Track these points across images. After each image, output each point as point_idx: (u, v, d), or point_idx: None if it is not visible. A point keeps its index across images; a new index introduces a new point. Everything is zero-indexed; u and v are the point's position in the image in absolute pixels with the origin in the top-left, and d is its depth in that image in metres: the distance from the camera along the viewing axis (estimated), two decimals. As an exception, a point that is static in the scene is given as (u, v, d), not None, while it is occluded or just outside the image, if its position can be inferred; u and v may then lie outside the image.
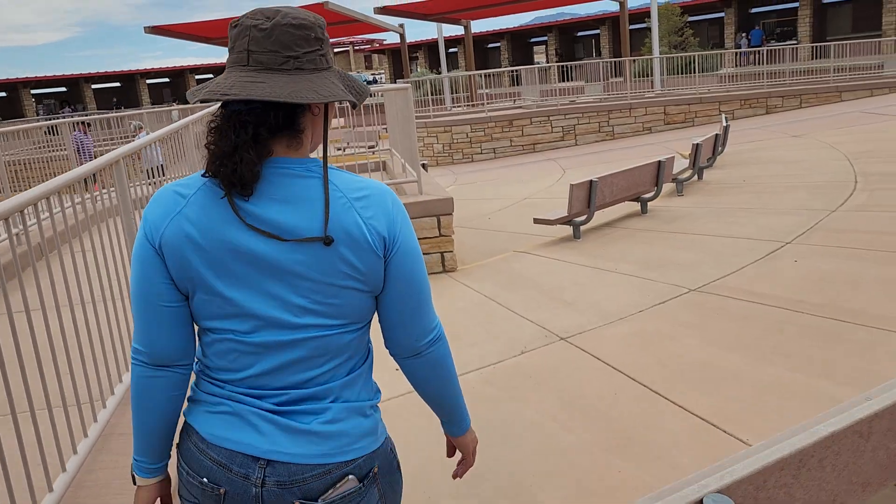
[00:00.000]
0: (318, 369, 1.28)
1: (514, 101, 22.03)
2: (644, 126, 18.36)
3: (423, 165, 11.27)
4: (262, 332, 1.25)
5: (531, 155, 17.66)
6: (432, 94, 20.60)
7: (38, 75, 43.49)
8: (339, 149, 9.72)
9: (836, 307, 4.69)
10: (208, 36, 25.40)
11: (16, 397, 2.01)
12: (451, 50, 41.15)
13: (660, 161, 8.17)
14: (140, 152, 4.52)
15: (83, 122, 12.09)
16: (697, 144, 9.47)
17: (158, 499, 1.40)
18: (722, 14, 41.64)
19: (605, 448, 3.34)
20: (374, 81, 48.95)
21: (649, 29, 23.35)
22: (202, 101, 1.25)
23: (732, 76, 21.00)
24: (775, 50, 21.61)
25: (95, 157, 7.60)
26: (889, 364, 3.85)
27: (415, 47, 48.28)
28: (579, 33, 49.60)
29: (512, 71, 23.07)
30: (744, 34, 39.03)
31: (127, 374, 2.86)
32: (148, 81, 47.54)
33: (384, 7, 22.28)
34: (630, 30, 23.21)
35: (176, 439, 1.39)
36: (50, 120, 14.53)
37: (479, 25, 39.23)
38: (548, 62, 42.01)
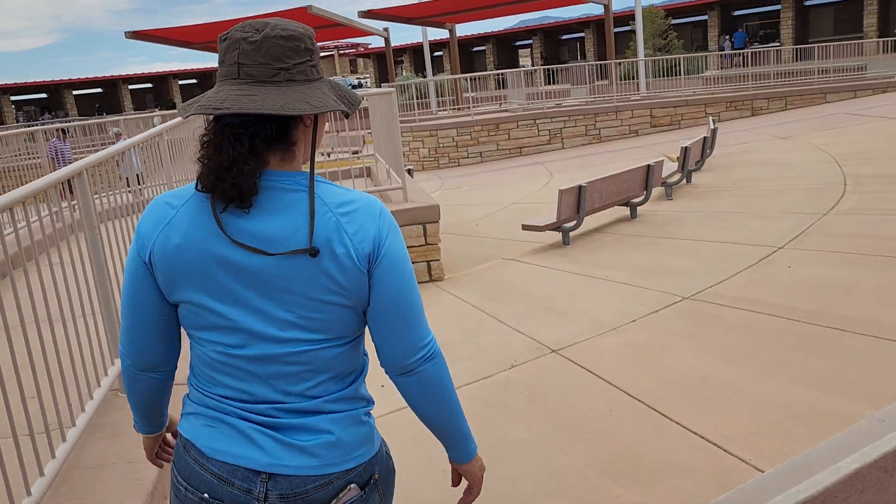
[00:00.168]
0: (308, 382, 1.28)
1: (500, 104, 21.91)
2: (631, 129, 18.31)
3: (409, 170, 11.11)
4: (248, 346, 1.25)
5: (518, 159, 17.54)
6: (418, 98, 20.44)
7: (19, 82, 42.88)
8: (322, 154, 9.53)
9: (832, 315, 4.58)
10: (190, 41, 25.12)
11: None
12: (436, 53, 41.03)
13: (649, 165, 8.05)
14: (121, 159, 4.33)
15: (60, 129, 11.82)
16: (686, 148, 9.38)
17: (161, 441, 1.56)
18: (705, 17, 41.86)
19: (600, 470, 3.19)
20: (360, 85, 48.78)
21: (634, 32, 23.34)
22: (195, 115, 1.22)
23: (717, 78, 21.03)
24: (759, 52, 21.67)
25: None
26: (889, 375, 3.73)
27: (400, 51, 48.17)
28: (564, 36, 49.72)
29: (498, 74, 22.96)
30: (727, 37, 39.25)
31: (91, 402, 2.67)
32: (130, 87, 47.07)
33: (368, 11, 22.11)
34: (615, 33, 23.18)
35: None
36: (31, 127, 14.20)
37: (464, 29, 39.18)
38: (533, 65, 42.01)
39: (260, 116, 1.19)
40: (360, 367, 1.38)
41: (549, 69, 23.31)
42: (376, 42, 44.31)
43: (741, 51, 25.39)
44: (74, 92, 44.56)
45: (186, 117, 1.25)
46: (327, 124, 1.43)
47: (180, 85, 49.06)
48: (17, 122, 37.00)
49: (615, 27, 23.71)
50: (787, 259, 5.85)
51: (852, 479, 1.53)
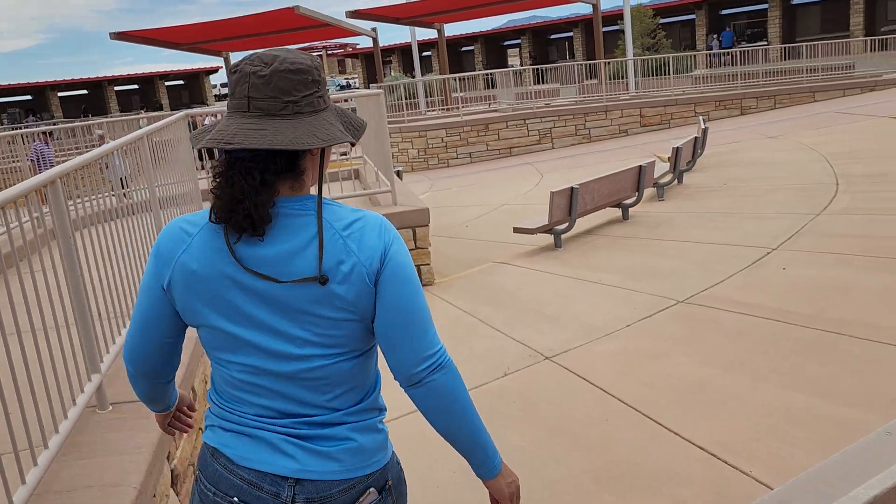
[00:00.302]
0: (327, 395, 1.34)
1: (490, 104, 21.82)
2: (620, 128, 18.26)
3: (398, 172, 11.00)
4: (268, 365, 1.31)
5: (508, 159, 17.46)
6: (406, 99, 20.30)
7: (2, 83, 42.33)
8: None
9: (828, 318, 4.51)
10: (177, 42, 24.88)
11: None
12: (424, 54, 40.91)
13: (641, 166, 7.98)
14: (104, 164, 4.20)
15: (43, 132, 11.63)
16: (678, 148, 9.32)
17: (172, 416, 1.65)
18: (693, 16, 41.99)
19: (596, 480, 3.10)
20: (348, 86, 48.59)
21: (622, 31, 23.32)
22: (206, 148, 1.32)
23: (706, 78, 21.03)
24: (747, 51, 21.70)
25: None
26: (888, 379, 3.66)
27: (388, 51, 48.00)
28: (552, 36, 49.74)
29: (487, 74, 22.87)
30: (715, 36, 39.38)
31: (65, 422, 2.55)
32: (116, 88, 46.60)
33: (356, 11, 21.95)
34: (603, 32, 23.15)
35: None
36: (16, 129, 13.98)
37: (453, 29, 39.11)
38: (522, 65, 41.97)
39: (270, 150, 1.24)
40: (374, 377, 1.44)
41: (538, 69, 23.26)
42: (364, 42, 44.16)
43: (729, 50, 25.43)
44: (59, 94, 44.09)
45: (197, 148, 1.30)
46: (332, 149, 1.47)
47: (167, 86, 48.67)
48: (1, 124, 36.55)
49: (603, 26, 23.68)
50: (781, 260, 5.79)
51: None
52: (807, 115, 15.85)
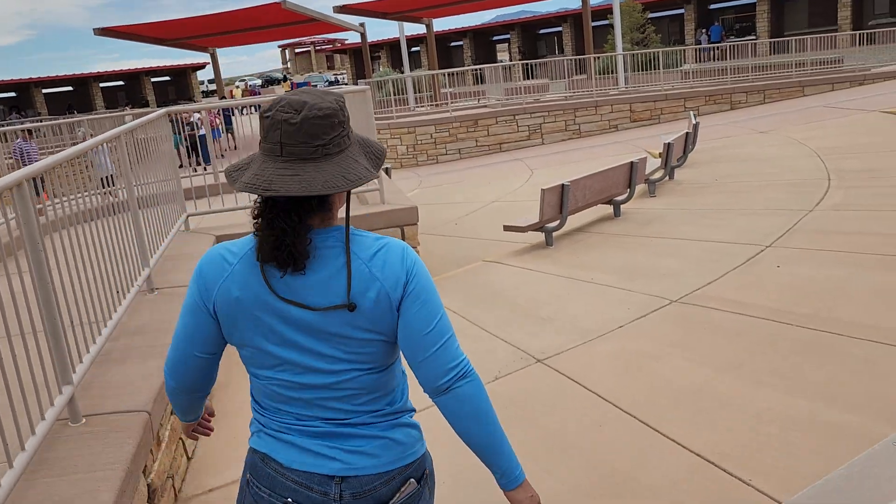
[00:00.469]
0: (359, 401, 1.48)
1: (479, 99, 21.67)
2: (610, 124, 18.18)
3: (387, 169, 10.86)
4: (303, 380, 1.45)
5: (497, 155, 17.33)
6: (395, 95, 20.12)
7: (-15, 80, 41.77)
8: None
9: (826, 318, 4.42)
10: (162, 37, 24.58)
11: None
12: (413, 49, 40.67)
13: (632, 162, 7.88)
14: (89, 162, 4.04)
15: (25, 130, 11.41)
16: (669, 144, 9.23)
17: (198, 423, 1.80)
18: (682, 10, 42.01)
19: (590, 493, 2.99)
20: (336, 82, 48.26)
21: (611, 26, 23.23)
22: (242, 191, 1.38)
23: (696, 72, 20.97)
24: (736, 45, 21.67)
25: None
26: (890, 381, 3.57)
27: (376, 47, 47.77)
28: (541, 31, 49.67)
29: (476, 69, 22.72)
30: (703, 30, 39.41)
31: (32, 438, 2.41)
32: (101, 85, 46.11)
33: (344, 6, 21.75)
34: (592, 27, 23.05)
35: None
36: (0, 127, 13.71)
37: (441, 24, 38.91)
38: (511, 60, 41.85)
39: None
40: (401, 381, 1.58)
41: (527, 64, 23.12)
42: (353, 38, 43.84)
43: (718, 44, 25.42)
44: (44, 90, 43.55)
45: (233, 187, 1.41)
46: None
47: (153, 82, 48.19)
48: (-15, 121, 35.98)
49: (593, 21, 23.58)
50: (775, 258, 5.70)
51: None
52: (797, 109, 15.82)
